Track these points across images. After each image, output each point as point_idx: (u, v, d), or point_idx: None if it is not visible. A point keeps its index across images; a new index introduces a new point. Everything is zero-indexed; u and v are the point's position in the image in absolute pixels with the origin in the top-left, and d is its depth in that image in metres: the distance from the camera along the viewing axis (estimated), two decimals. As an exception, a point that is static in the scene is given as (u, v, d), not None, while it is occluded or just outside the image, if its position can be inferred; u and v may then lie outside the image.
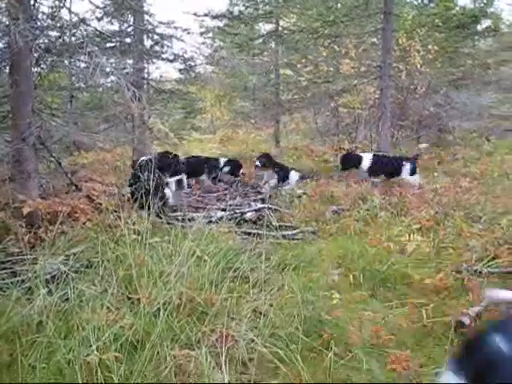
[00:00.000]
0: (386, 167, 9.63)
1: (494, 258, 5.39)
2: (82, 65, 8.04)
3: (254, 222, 7.32)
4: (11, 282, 4.32)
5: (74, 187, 7.23)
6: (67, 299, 4.01)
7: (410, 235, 5.93)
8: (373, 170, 9.59)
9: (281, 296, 4.36)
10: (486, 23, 19.95)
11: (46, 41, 7.18)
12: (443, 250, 5.84)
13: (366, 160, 9.64)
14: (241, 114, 19.98)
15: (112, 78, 6.88)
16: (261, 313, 4.09)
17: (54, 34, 8.40)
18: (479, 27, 18.79)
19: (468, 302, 4.52)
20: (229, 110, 21.08)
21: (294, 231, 6.84)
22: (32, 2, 6.57)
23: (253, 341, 3.67)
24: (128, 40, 12.00)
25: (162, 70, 15.38)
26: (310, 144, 15.76)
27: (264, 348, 3.55)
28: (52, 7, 8.40)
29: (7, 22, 5.49)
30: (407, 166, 9.58)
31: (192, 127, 17.66)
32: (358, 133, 14.26)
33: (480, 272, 5.10)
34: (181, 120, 17.24)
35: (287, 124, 18.22)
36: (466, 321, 4.08)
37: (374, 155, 9.92)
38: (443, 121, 15.25)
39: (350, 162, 9.81)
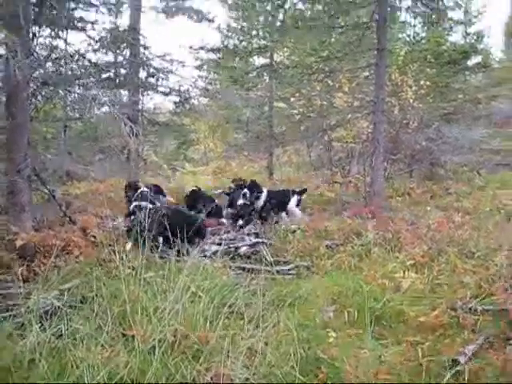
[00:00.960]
0: (277, 200, 10.29)
1: (488, 295, 5.39)
2: (77, 96, 8.08)
3: (248, 257, 7.29)
4: (3, 317, 4.27)
5: (68, 219, 7.20)
6: (61, 335, 3.97)
7: (404, 272, 5.93)
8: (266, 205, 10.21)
9: (276, 333, 4.33)
10: (476, 59, 20.35)
11: (43, 73, 7.22)
12: (438, 286, 5.83)
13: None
14: (234, 146, 20.07)
15: (106, 108, 6.88)
16: (256, 351, 4.06)
17: (50, 65, 8.49)
18: (470, 63, 19.15)
19: (463, 340, 4.50)
20: (222, 142, 21.16)
21: (289, 266, 6.82)
22: (31, 36, 6.63)
23: (248, 379, 3.63)
24: (123, 71, 12.11)
25: (156, 101, 15.46)
26: (303, 177, 15.81)
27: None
28: (49, 38, 8.51)
29: (6, 56, 5.49)
30: (295, 198, 10.38)
31: (185, 158, 17.70)
32: (352, 166, 14.34)
33: (475, 309, 5.09)
34: (174, 151, 17.28)
35: (280, 156, 18.30)
36: (462, 359, 4.06)
37: (268, 191, 10.54)
38: (435, 155, 15.37)
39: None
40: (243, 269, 6.51)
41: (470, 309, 5.11)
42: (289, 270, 6.72)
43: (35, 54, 6.74)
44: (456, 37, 26.21)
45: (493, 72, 22.10)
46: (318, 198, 12.75)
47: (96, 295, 4.48)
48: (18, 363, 3.66)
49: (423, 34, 21.52)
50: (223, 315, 4.45)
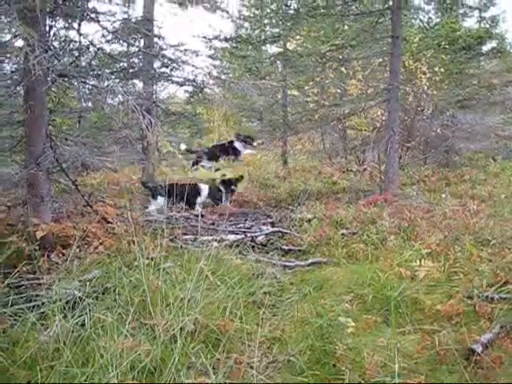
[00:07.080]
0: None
1: (505, 283, 5.40)
2: (92, 87, 8.09)
3: (264, 245, 7.36)
4: (27, 308, 4.35)
5: (90, 209, 7.24)
6: (83, 325, 4.04)
7: (420, 260, 5.93)
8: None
9: (294, 322, 4.39)
10: (491, 44, 20.14)
11: (59, 65, 7.25)
12: (454, 274, 5.83)
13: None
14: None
15: (121, 98, 6.91)
16: (274, 339, 4.13)
17: (66, 57, 8.52)
18: (484, 48, 18.96)
19: (480, 329, 4.53)
20: (236, 131, 21.14)
21: (306, 262, 6.81)
22: (47, 29, 6.67)
23: (267, 367, 3.70)
24: (136, 61, 12.11)
25: (170, 91, 15.48)
26: (318, 165, 15.81)
27: (278, 375, 3.59)
28: (63, 30, 8.54)
29: (25, 51, 5.52)
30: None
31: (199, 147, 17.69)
32: (366, 155, 14.31)
33: (491, 298, 5.11)
34: (187, 140, 17.29)
35: (294, 145, 18.28)
36: (478, 348, 4.09)
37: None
38: (450, 142, 15.31)
39: None
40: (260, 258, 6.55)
41: (487, 297, 5.13)
42: (306, 259, 6.79)
43: (52, 48, 6.78)
44: (470, 22, 25.91)
45: (508, 57, 21.83)
46: (332, 187, 12.76)
47: (116, 286, 4.55)
48: (42, 352, 3.74)
49: (437, 20, 21.32)
50: (242, 304, 4.51)
